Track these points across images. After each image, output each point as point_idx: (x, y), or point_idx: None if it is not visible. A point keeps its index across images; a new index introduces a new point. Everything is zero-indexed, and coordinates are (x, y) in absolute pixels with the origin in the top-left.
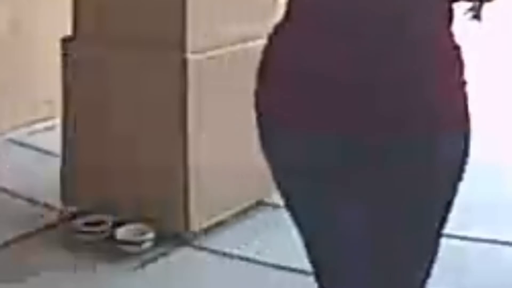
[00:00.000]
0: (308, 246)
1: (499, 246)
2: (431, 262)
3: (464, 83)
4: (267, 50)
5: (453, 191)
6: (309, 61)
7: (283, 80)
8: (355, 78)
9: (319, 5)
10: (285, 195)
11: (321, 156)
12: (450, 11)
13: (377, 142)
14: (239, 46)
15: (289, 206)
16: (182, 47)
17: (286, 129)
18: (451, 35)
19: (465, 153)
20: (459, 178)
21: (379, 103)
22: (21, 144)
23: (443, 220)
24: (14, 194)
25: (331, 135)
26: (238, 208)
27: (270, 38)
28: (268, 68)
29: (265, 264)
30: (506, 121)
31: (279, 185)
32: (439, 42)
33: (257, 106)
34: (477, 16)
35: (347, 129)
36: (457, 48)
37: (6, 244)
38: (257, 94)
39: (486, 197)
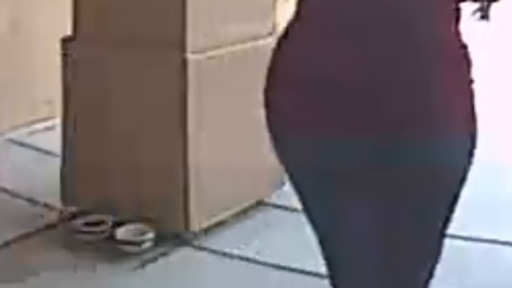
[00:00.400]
0: (322, 243)
1: (499, 246)
2: (435, 262)
3: (471, 81)
4: (276, 54)
5: (458, 191)
6: (317, 66)
7: (292, 85)
8: (363, 83)
9: (328, 7)
10: (298, 192)
11: (330, 159)
12: (457, 10)
13: (385, 145)
14: (239, 46)
15: (302, 203)
16: (182, 47)
17: (297, 132)
18: (458, 33)
19: (470, 153)
20: (463, 178)
21: (387, 107)
22: (21, 144)
23: (446, 221)
24: (14, 194)
25: (340, 138)
26: (238, 208)
27: (279, 42)
28: (277, 72)
29: (265, 264)
30: (507, 121)
31: (292, 183)
32: (446, 44)
33: (268, 108)
34: (485, 16)
35: (356, 133)
36: (464, 47)
37: (6, 244)
38: (266, 96)
39: (487, 197)
